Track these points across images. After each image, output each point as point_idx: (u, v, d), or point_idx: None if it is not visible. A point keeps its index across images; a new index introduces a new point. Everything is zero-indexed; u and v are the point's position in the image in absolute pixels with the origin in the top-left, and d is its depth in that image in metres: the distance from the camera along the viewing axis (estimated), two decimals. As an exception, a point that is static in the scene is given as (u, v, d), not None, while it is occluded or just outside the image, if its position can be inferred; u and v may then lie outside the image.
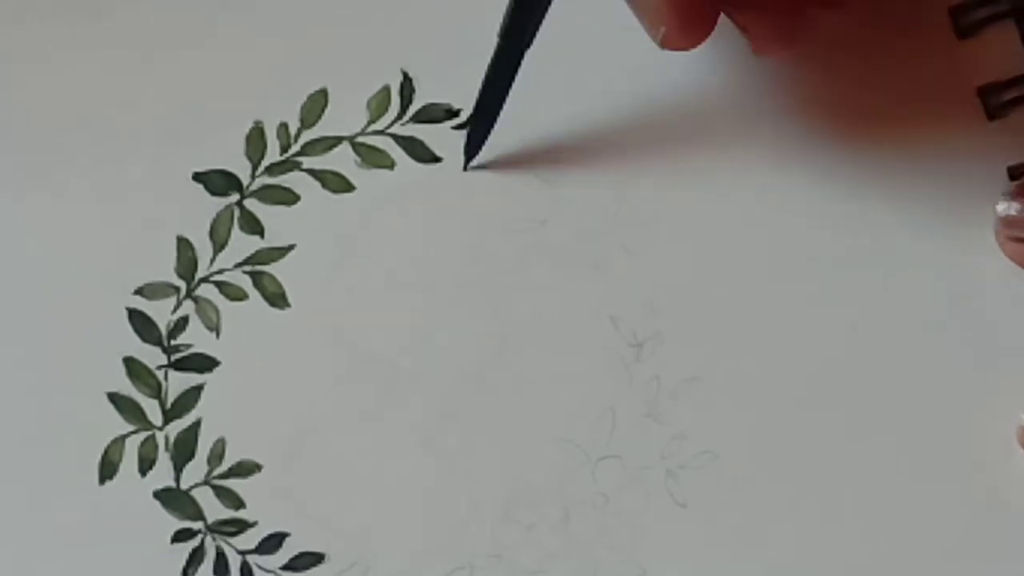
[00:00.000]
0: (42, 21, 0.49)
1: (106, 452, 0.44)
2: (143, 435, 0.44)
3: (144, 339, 0.45)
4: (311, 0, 0.48)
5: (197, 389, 0.45)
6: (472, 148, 0.46)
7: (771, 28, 0.41)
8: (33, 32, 0.49)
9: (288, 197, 0.47)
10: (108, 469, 0.44)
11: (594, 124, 0.44)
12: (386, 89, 0.48)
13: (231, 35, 0.48)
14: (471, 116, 0.46)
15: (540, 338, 0.45)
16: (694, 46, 0.40)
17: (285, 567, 0.43)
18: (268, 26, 0.48)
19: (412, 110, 0.47)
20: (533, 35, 0.44)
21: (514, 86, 0.45)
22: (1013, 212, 0.43)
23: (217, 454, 0.44)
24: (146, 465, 0.44)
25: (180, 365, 0.45)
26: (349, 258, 0.46)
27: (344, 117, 0.47)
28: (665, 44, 0.40)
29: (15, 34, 0.49)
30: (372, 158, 0.47)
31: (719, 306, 0.45)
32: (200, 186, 0.47)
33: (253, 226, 0.46)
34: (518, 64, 0.44)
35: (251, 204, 0.47)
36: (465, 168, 0.46)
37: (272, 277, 0.46)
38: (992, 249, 0.44)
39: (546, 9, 0.43)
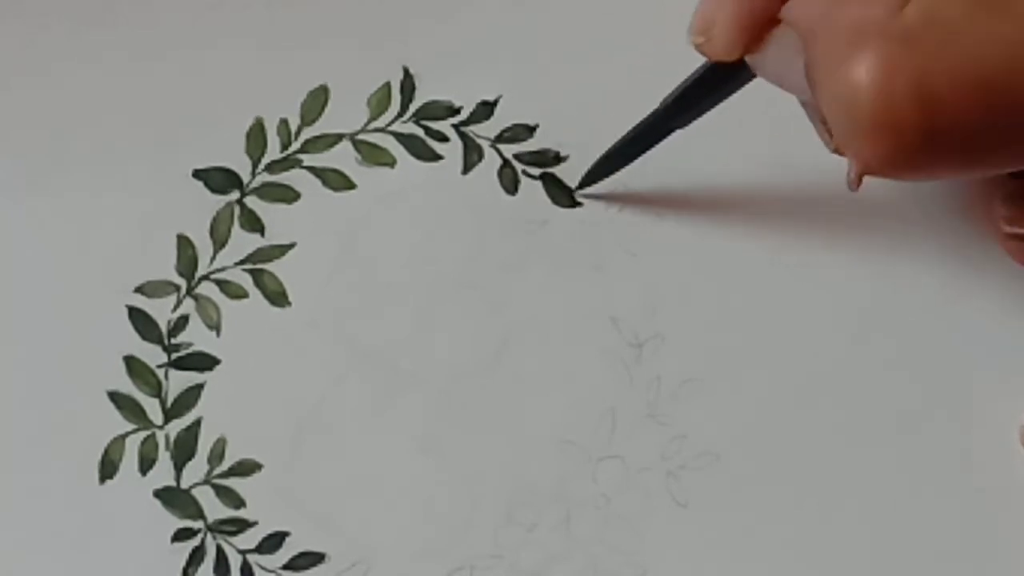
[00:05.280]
0: (42, 19, 0.49)
1: (106, 451, 0.44)
2: (143, 434, 0.44)
3: (144, 337, 0.45)
4: (312, -3, 0.48)
5: (198, 388, 0.45)
6: (584, 183, 0.46)
7: None
8: (33, 31, 0.48)
9: (289, 195, 0.47)
10: (108, 468, 0.44)
11: (595, 125, 0.44)
12: (387, 86, 0.48)
13: (231, 32, 0.48)
14: (600, 160, 0.45)
15: (540, 338, 0.45)
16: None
17: (286, 567, 0.43)
18: (268, 23, 0.48)
19: (413, 107, 0.47)
20: (691, 120, 0.43)
21: (513, 87, 0.45)
22: (1014, 210, 0.43)
23: (217, 453, 0.44)
24: (146, 464, 0.44)
25: (180, 364, 0.45)
26: (350, 256, 0.46)
27: (345, 114, 0.47)
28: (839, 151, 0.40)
29: (15, 34, 0.48)
30: (373, 156, 0.47)
31: (719, 306, 0.45)
32: (200, 183, 0.47)
33: (253, 224, 0.46)
34: (664, 137, 0.44)
35: (251, 202, 0.47)
36: (576, 189, 0.46)
37: (273, 275, 0.46)
38: (992, 247, 0.44)
39: (713, 105, 0.42)
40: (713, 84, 0.41)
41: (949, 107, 0.32)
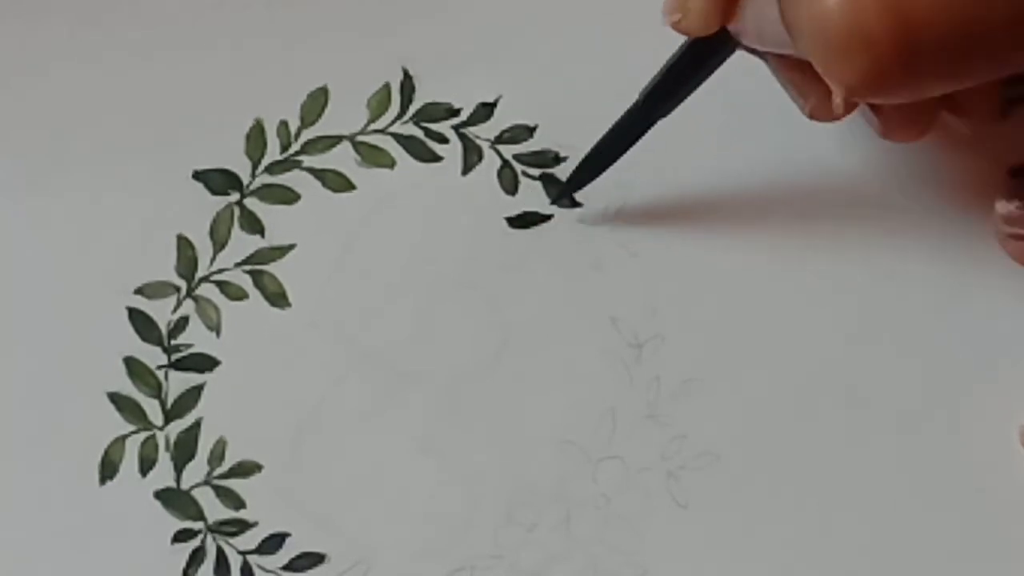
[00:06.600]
0: (42, 19, 0.49)
1: (106, 452, 0.44)
2: (144, 435, 0.44)
3: (144, 339, 0.45)
4: (312, -2, 0.49)
5: (197, 389, 0.45)
6: (567, 190, 0.46)
7: (905, 120, 0.40)
8: (33, 31, 0.48)
9: (288, 196, 0.47)
10: (108, 469, 0.44)
11: (594, 125, 0.44)
12: (387, 87, 0.48)
13: (231, 34, 0.48)
14: (581, 162, 0.45)
15: (540, 338, 0.45)
16: (839, 119, 0.40)
17: (286, 567, 0.43)
18: (268, 24, 0.48)
19: (413, 109, 0.47)
20: (672, 108, 0.43)
21: (513, 87, 0.45)
22: (1013, 210, 0.43)
23: (218, 454, 0.44)
24: (147, 465, 0.44)
25: (180, 365, 0.45)
26: (349, 257, 0.46)
27: (344, 116, 0.47)
28: (813, 116, 0.40)
29: (15, 34, 0.49)
30: (372, 157, 0.47)
31: (719, 306, 0.45)
32: (200, 185, 0.47)
33: (253, 225, 0.46)
34: (646, 130, 0.44)
35: (251, 203, 0.47)
36: (553, 202, 0.46)
37: (272, 276, 0.46)
38: (992, 247, 0.44)
39: (693, 88, 0.42)
40: (694, 64, 0.41)
41: (918, 16, 0.32)
